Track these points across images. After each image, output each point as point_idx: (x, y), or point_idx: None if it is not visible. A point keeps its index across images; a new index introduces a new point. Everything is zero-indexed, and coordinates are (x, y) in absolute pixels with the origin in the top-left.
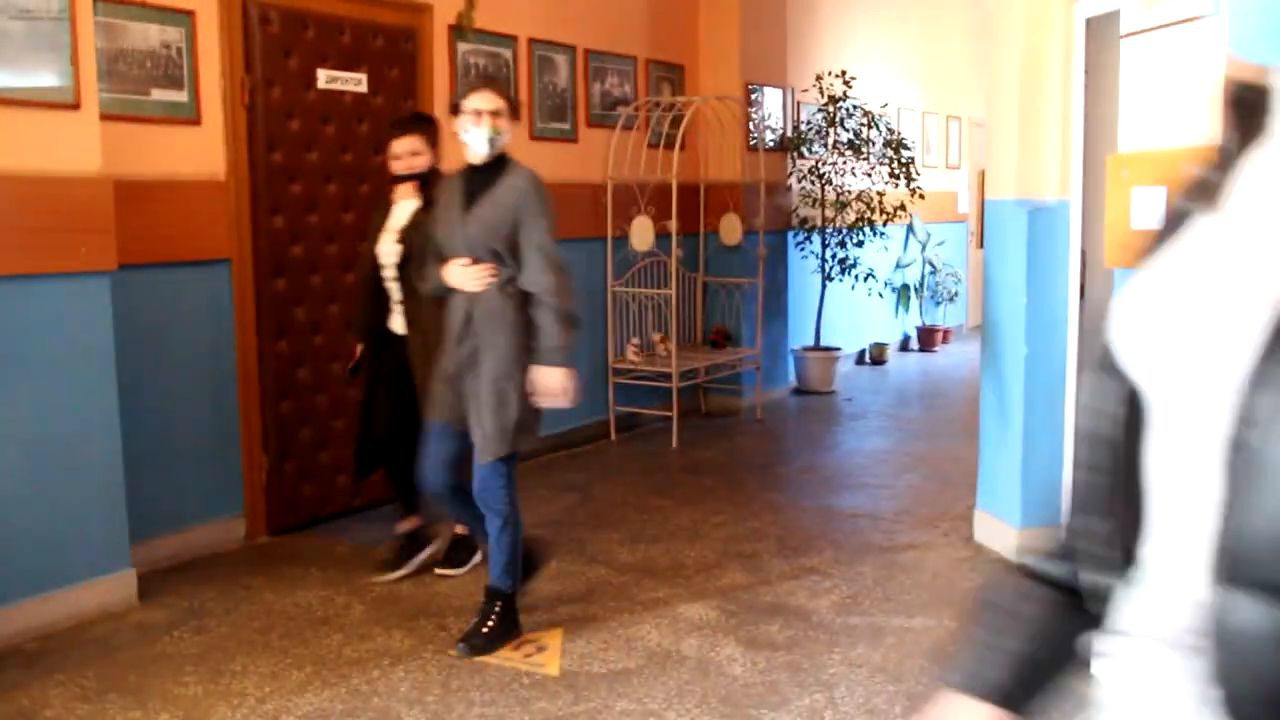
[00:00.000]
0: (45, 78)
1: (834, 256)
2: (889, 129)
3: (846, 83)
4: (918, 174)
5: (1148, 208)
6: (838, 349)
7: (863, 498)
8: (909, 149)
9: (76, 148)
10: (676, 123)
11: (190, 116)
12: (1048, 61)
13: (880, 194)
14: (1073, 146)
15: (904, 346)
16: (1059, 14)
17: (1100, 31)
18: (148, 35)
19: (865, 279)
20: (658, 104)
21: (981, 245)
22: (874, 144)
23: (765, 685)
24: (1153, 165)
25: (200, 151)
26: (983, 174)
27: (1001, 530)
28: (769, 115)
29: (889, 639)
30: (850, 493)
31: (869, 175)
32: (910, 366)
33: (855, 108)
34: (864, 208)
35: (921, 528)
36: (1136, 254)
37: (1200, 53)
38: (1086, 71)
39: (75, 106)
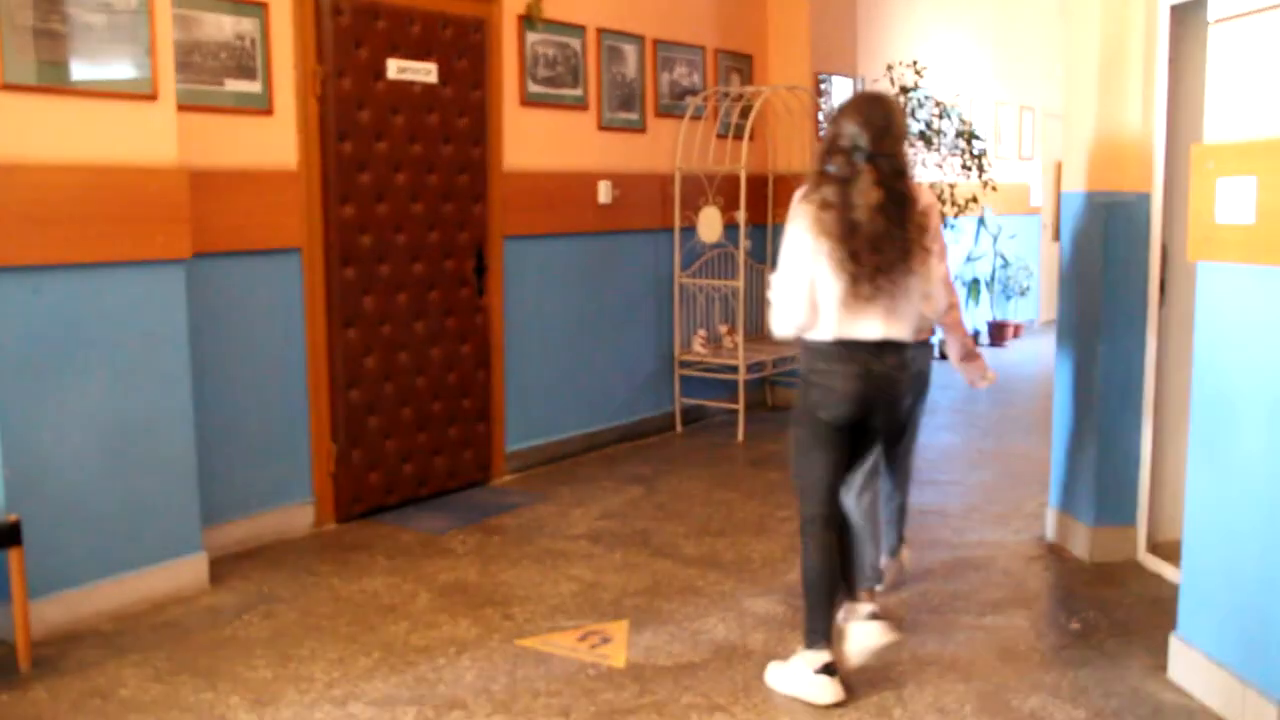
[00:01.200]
0: (124, 69)
1: None
2: (960, 119)
3: (918, 72)
4: (989, 165)
5: (1234, 200)
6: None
7: (932, 494)
8: (981, 140)
9: (153, 138)
10: (745, 113)
11: (263, 107)
12: (1128, 50)
13: (952, 186)
14: (1155, 138)
15: (974, 341)
16: (1139, 3)
17: (1186, 19)
18: (222, 27)
19: None
20: (726, 94)
21: (1057, 238)
22: (945, 135)
23: None
24: (1240, 156)
25: (272, 142)
26: (1059, 165)
27: (1074, 529)
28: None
29: (959, 636)
30: (919, 489)
31: (940, 167)
32: None
33: (926, 98)
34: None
35: (992, 525)
36: (1220, 247)
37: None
38: (1171, 60)
39: (153, 98)
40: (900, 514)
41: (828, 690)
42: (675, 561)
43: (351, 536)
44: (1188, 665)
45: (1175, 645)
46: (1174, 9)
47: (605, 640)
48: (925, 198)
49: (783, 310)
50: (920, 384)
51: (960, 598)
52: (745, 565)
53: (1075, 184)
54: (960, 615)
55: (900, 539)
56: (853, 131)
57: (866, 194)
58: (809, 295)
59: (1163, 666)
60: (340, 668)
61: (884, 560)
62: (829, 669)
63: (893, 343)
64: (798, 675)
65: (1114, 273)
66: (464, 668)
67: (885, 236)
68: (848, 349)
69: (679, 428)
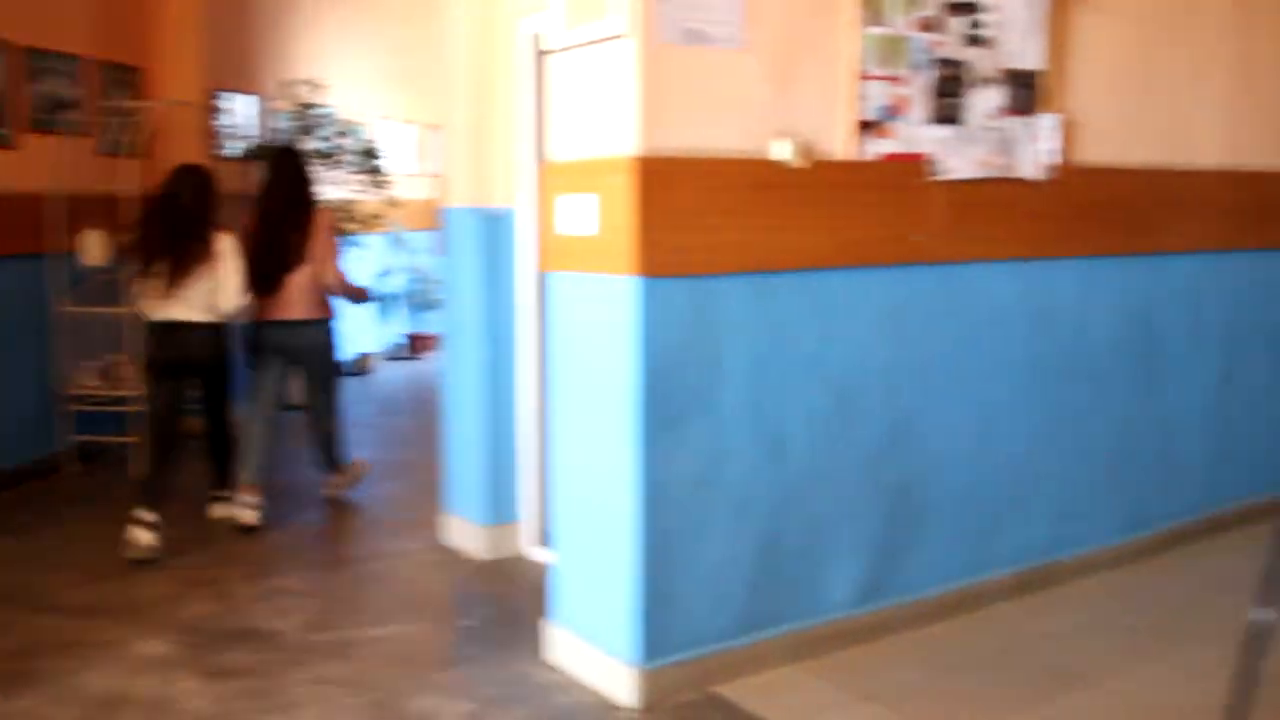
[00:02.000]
0: None
1: None
2: (361, 138)
3: (316, 90)
4: (389, 183)
5: (577, 214)
6: None
7: (338, 511)
8: (379, 157)
9: None
10: (135, 129)
11: None
12: (494, 72)
13: (354, 203)
14: (519, 156)
15: (394, 355)
16: (504, 29)
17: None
18: None
19: None
20: (112, 109)
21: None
22: (348, 153)
23: (225, 715)
24: (582, 174)
25: None
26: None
27: (467, 530)
28: (240, 123)
29: (357, 650)
30: (323, 507)
31: (343, 185)
32: (398, 375)
33: (328, 116)
34: (342, 215)
35: (396, 535)
36: (567, 258)
37: (615, 69)
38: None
39: None
40: (327, 442)
41: (133, 536)
42: (58, 614)
43: None
44: (562, 645)
45: (550, 629)
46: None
47: None
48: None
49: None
50: (320, 352)
51: (360, 611)
52: (135, 608)
53: (455, 200)
54: (359, 629)
55: (334, 464)
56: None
57: (159, 229)
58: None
59: (541, 651)
60: None
61: (325, 477)
62: (140, 521)
63: (186, 323)
64: None
65: (487, 284)
66: None
67: (178, 258)
68: (156, 326)
69: (68, 467)
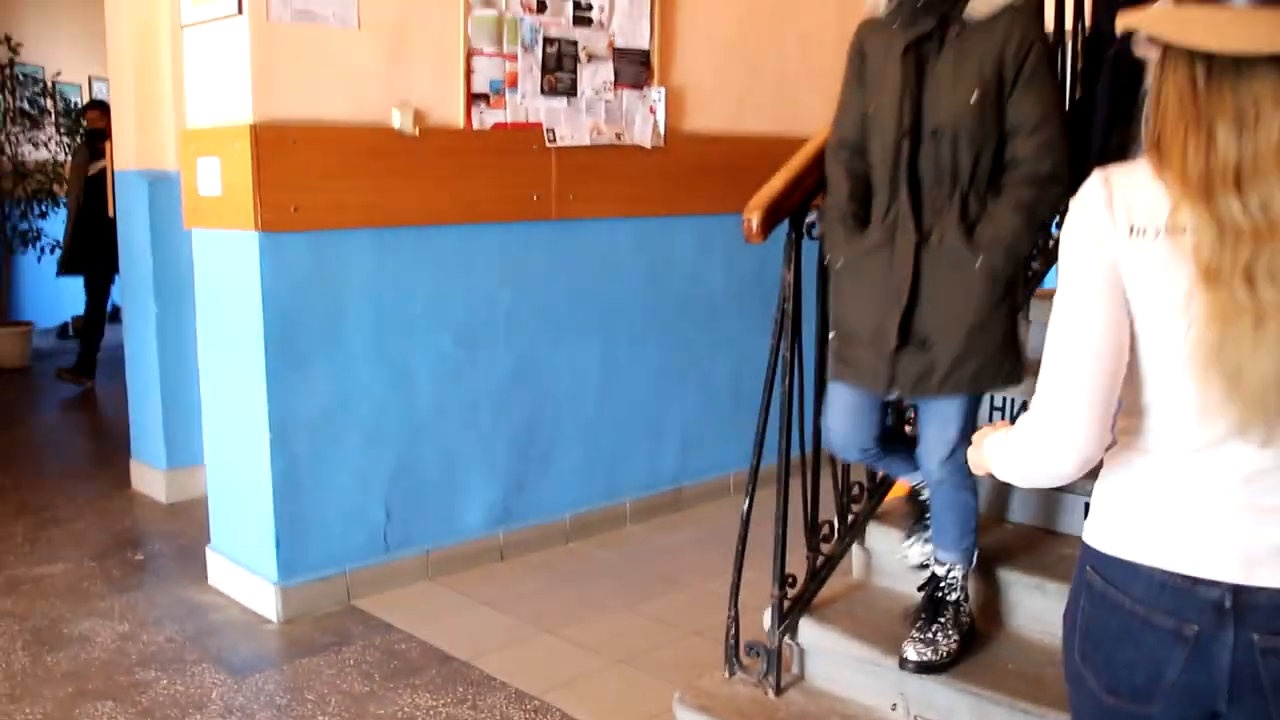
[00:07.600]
0: None
1: (14, 229)
2: (64, 97)
3: (13, 49)
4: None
5: (204, 176)
6: (29, 323)
7: (34, 455)
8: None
9: None
10: None
11: None
12: (159, 36)
13: (61, 164)
14: (188, 119)
15: (114, 317)
16: None
17: None
18: None
19: (51, 251)
20: None
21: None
22: (51, 113)
23: None
24: (203, 140)
25: None
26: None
27: (150, 474)
28: None
29: (23, 586)
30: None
31: (48, 145)
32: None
33: (26, 76)
34: (44, 179)
35: (82, 482)
36: (203, 215)
37: (231, 45)
38: None
39: None
40: None
41: None
42: None
43: None
44: (219, 570)
45: (210, 556)
46: None
47: None
48: None
49: None
50: None
51: (35, 553)
52: None
53: (123, 163)
54: (28, 568)
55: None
56: None
57: None
58: None
59: (206, 577)
60: None
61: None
62: None
63: None
64: None
65: (159, 243)
66: None
67: None
68: None
69: None
